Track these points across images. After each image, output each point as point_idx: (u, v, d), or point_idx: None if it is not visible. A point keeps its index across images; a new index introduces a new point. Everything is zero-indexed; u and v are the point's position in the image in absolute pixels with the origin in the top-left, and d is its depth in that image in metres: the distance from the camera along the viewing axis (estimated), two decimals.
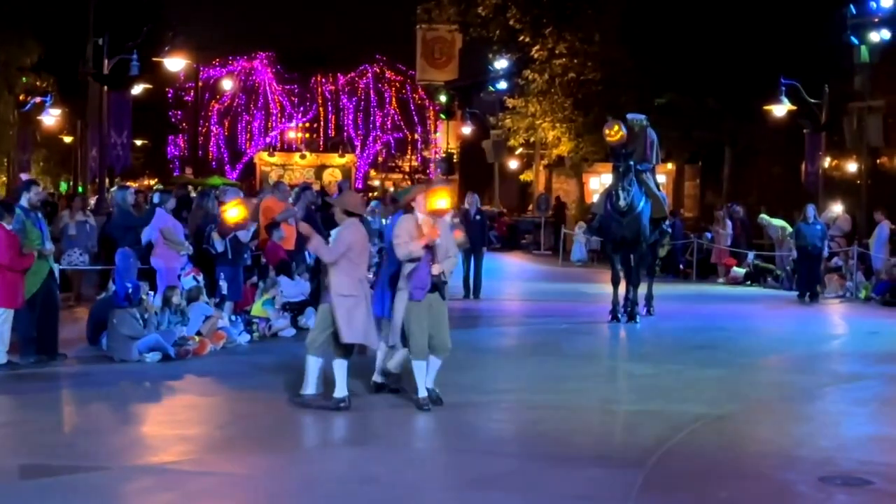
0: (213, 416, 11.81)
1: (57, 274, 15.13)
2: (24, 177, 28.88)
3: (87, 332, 15.72)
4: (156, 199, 19.78)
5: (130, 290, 15.57)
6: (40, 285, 14.18)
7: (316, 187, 29.13)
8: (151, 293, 15.95)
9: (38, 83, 39.75)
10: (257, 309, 17.40)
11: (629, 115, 20.47)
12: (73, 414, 11.84)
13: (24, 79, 38.87)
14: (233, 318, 16.80)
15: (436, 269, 11.60)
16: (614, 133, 19.81)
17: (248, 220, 16.62)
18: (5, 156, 39.99)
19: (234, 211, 13.31)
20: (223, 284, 17.03)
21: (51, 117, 40.05)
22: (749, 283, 28.32)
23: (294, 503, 8.68)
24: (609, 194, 20.10)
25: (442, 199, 11.95)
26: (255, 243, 18.37)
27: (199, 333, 15.64)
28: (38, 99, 38.62)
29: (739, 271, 28.73)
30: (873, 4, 29.65)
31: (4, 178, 40.57)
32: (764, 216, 29.25)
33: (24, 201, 14.46)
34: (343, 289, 11.45)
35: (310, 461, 9.77)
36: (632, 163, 19.21)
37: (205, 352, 15.26)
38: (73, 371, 14.07)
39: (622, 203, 19.13)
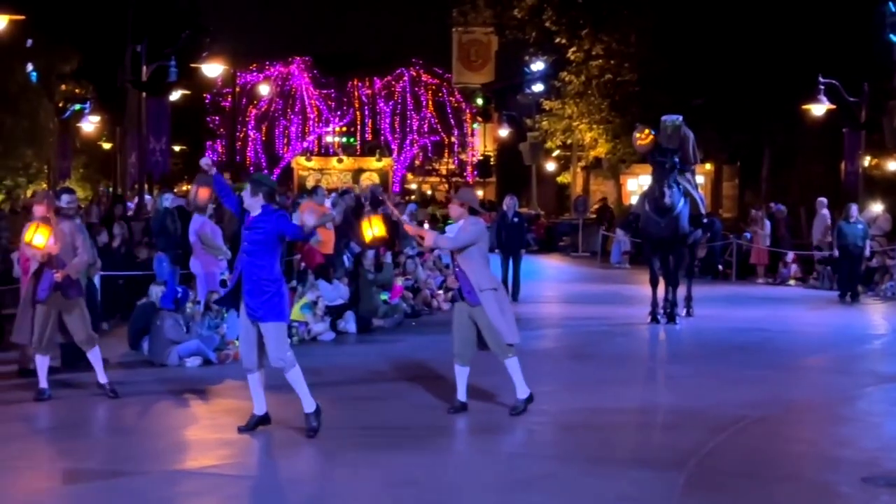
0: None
1: (98, 283, 15.21)
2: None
3: (128, 337, 15.82)
4: (166, 202, 19.90)
5: (179, 296, 15.70)
6: None
7: (357, 191, 29.18)
8: (200, 304, 16.05)
9: (77, 90, 40.09)
10: (296, 313, 17.43)
11: (664, 117, 20.39)
12: (114, 418, 11.90)
13: (63, 86, 39.21)
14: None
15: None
16: (644, 137, 19.82)
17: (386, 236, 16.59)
18: (45, 163, 40.23)
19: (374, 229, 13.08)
20: None
21: (90, 124, 40.26)
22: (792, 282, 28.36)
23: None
24: (648, 194, 20.06)
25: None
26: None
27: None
28: (77, 106, 38.90)
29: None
30: None
31: (45, 185, 40.80)
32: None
33: None
34: (486, 282, 11.38)
35: (348, 465, 9.78)
36: (676, 160, 19.18)
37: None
38: (114, 376, 14.13)
39: (667, 200, 19.07)
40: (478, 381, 13.85)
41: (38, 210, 12.37)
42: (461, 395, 11.78)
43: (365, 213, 19.15)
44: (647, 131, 19.88)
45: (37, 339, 12.35)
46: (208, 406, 12.38)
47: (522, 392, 11.54)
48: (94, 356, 12.49)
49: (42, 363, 12.41)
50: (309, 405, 10.53)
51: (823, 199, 27.54)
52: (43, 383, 12.32)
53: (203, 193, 10.57)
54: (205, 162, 11.31)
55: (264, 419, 10.85)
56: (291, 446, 10.38)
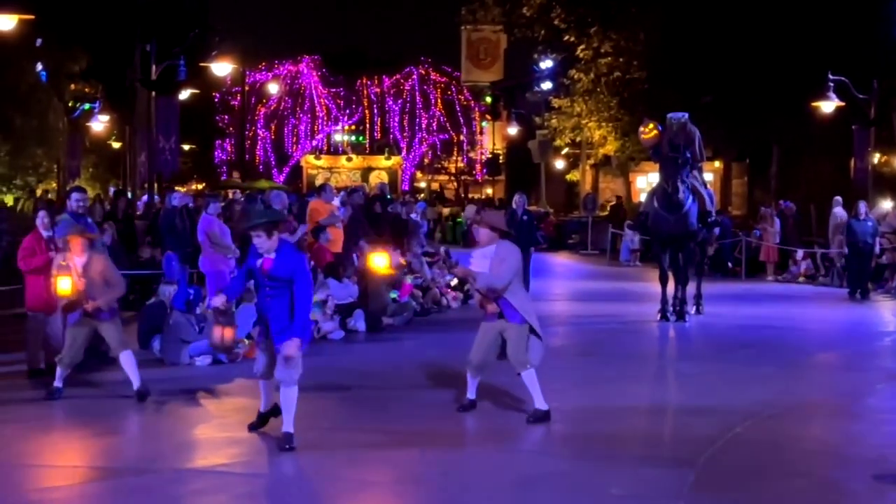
0: None
1: None
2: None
3: (137, 336, 15.84)
4: (174, 201, 19.93)
5: (191, 297, 15.72)
6: None
7: (368, 188, 29.29)
8: (209, 302, 16.08)
9: (86, 90, 40.19)
10: None
11: (670, 115, 20.39)
12: (125, 417, 11.91)
13: (72, 86, 39.30)
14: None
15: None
16: (648, 131, 19.87)
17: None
18: (55, 162, 40.35)
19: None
20: None
21: (99, 123, 40.40)
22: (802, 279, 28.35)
23: (344, 499, 8.69)
24: (657, 192, 20.05)
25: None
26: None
27: (248, 336, 15.72)
28: (86, 105, 38.99)
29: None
30: None
31: (55, 185, 40.93)
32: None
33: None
34: (529, 309, 11.39)
35: (359, 463, 9.79)
36: (689, 155, 19.16)
37: (254, 355, 15.29)
38: (124, 375, 14.16)
39: (680, 195, 19.07)
40: (488, 379, 13.87)
41: (74, 245, 12.35)
42: (471, 393, 11.80)
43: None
44: (651, 125, 19.92)
45: (65, 358, 12.49)
46: (218, 405, 12.38)
47: (540, 404, 11.40)
48: (126, 361, 12.47)
49: (61, 373, 12.53)
50: (288, 426, 10.17)
51: (839, 198, 27.45)
52: (58, 383, 12.44)
53: (228, 334, 10.35)
54: (219, 302, 10.71)
55: (273, 411, 10.81)
56: (300, 445, 10.39)
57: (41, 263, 13.86)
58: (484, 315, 11.51)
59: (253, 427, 10.72)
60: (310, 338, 10.73)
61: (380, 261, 11.97)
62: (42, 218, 14.10)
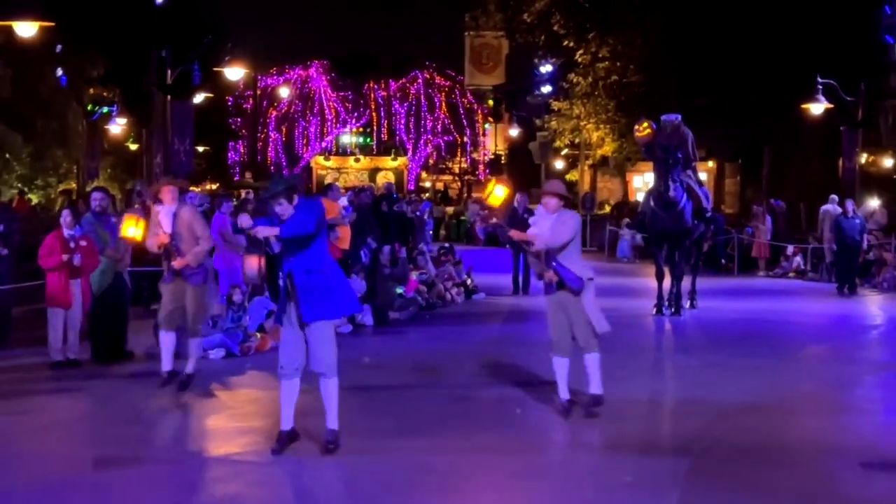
0: (275, 410, 11.81)
1: (127, 277, 15.21)
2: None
3: (154, 330, 15.83)
4: (193, 201, 19.94)
5: None
6: (107, 285, 14.36)
7: (375, 188, 29.34)
8: (222, 297, 16.10)
9: (104, 94, 40.20)
10: None
11: (664, 117, 20.41)
12: (140, 408, 11.90)
13: (91, 90, 39.31)
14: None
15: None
16: (642, 129, 19.94)
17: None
18: (75, 163, 40.36)
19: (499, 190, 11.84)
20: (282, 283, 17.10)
21: (117, 126, 40.43)
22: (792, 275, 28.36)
23: (356, 490, 8.68)
24: (652, 191, 20.08)
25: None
26: None
27: (261, 329, 15.73)
28: (104, 109, 39.01)
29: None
30: None
31: (74, 185, 40.94)
32: None
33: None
34: (587, 271, 11.03)
35: (369, 452, 9.78)
36: (680, 155, 19.18)
37: (266, 348, 15.32)
38: (141, 368, 14.17)
39: (671, 193, 19.08)
40: (492, 370, 13.89)
41: (164, 193, 11.83)
42: (563, 392, 11.16)
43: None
44: (645, 124, 20.01)
45: (161, 317, 12.22)
46: (231, 396, 12.38)
47: (597, 388, 11.06)
48: (194, 345, 12.23)
49: (166, 340, 12.22)
50: (333, 422, 9.66)
51: (834, 196, 27.36)
52: (167, 365, 12.12)
53: (252, 262, 9.78)
54: (246, 223, 9.59)
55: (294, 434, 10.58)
56: (311, 435, 10.38)
57: (55, 264, 13.92)
58: (545, 289, 11.06)
59: (278, 451, 9.59)
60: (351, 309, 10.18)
61: (499, 191, 11.04)
62: (65, 217, 14.13)
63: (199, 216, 12.06)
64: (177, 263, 11.56)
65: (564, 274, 10.79)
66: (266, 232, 9.15)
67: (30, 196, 35.90)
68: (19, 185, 37.61)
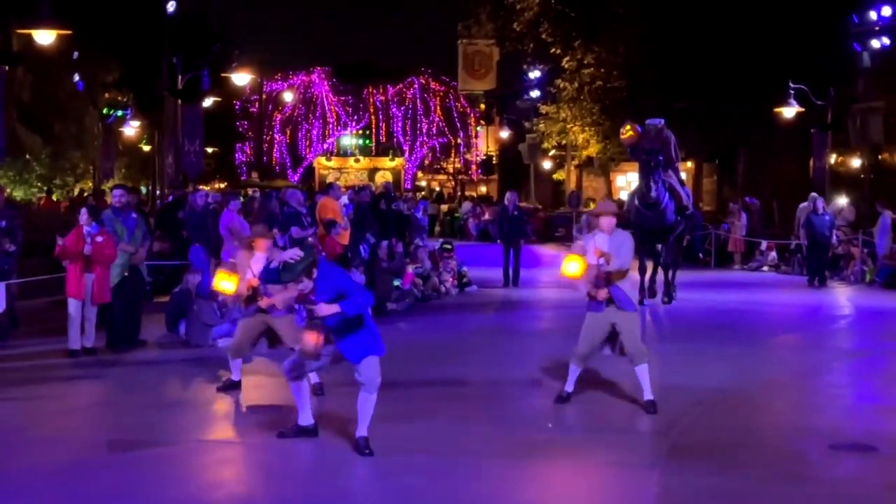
0: (279, 396, 11.84)
1: (145, 272, 15.20)
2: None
3: (165, 320, 15.84)
4: (200, 199, 19.92)
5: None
6: (122, 277, 14.35)
7: (374, 187, 29.30)
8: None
9: (119, 98, 40.17)
10: None
11: (648, 121, 20.46)
12: (153, 394, 11.90)
13: (106, 94, 39.29)
14: (296, 306, 16.81)
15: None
16: (626, 132, 20.09)
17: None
18: (91, 163, 40.36)
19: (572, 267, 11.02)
20: None
21: (131, 128, 40.42)
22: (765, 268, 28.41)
23: (353, 469, 8.68)
24: (637, 191, 20.14)
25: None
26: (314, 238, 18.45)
27: None
28: (119, 112, 38.97)
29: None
30: (874, 14, 29.62)
31: (91, 184, 40.91)
32: None
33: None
34: (634, 292, 10.94)
35: (373, 431, 9.76)
36: (661, 158, 19.24)
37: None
38: (153, 356, 14.18)
39: (653, 194, 19.13)
40: (485, 357, 13.91)
41: (259, 245, 11.46)
42: (570, 385, 11.08)
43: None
44: (628, 127, 20.18)
45: (232, 347, 11.76)
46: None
47: (649, 395, 10.72)
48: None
49: (236, 364, 11.76)
50: (365, 429, 9.25)
51: (814, 195, 27.16)
52: (235, 376, 11.71)
53: (311, 338, 9.18)
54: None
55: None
56: (319, 419, 10.37)
57: (56, 252, 14.12)
58: (589, 304, 10.74)
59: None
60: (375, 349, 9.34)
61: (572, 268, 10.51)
62: (83, 214, 14.13)
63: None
64: (263, 303, 11.21)
65: (620, 296, 10.61)
66: (330, 310, 8.88)
67: (55, 196, 35.90)
68: (39, 184, 37.62)
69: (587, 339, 10.81)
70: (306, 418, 9.50)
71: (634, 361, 10.69)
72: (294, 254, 8.96)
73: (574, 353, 10.94)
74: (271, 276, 9.20)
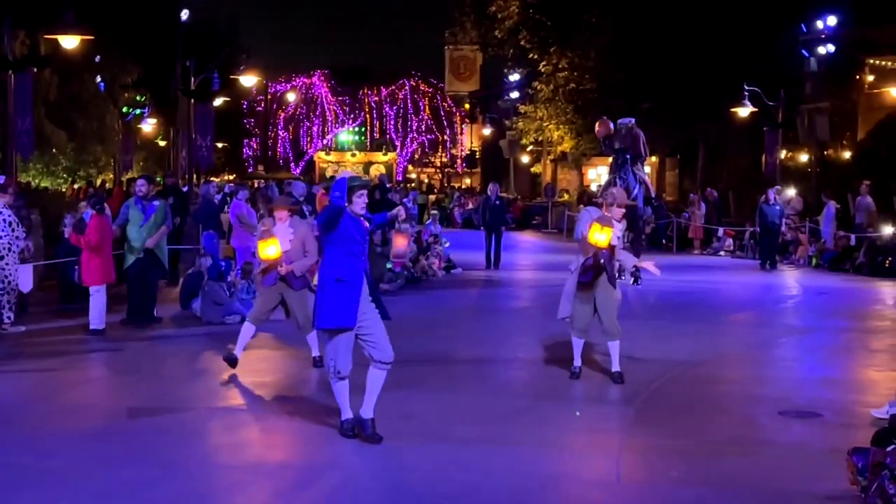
0: (283, 367, 11.86)
1: (166, 255, 15.12)
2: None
3: (179, 299, 15.82)
4: (213, 189, 19.84)
5: (223, 268, 15.69)
6: (136, 258, 14.28)
7: (368, 179, 29.36)
8: (240, 273, 16.09)
9: (137, 97, 40.07)
10: (317, 279, 17.40)
11: (620, 120, 20.49)
12: (167, 366, 11.89)
13: (125, 94, 39.16)
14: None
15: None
16: (598, 125, 20.29)
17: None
18: (112, 157, 40.28)
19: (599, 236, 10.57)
20: None
21: (148, 125, 40.36)
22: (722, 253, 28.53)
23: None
24: (610, 183, 20.18)
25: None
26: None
27: None
28: (137, 110, 38.88)
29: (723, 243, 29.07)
30: (820, 24, 29.76)
31: (112, 176, 40.81)
32: None
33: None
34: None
35: (360, 403, 9.78)
36: (628, 157, 19.36)
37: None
38: (168, 332, 14.16)
39: (637, 194, 19.40)
40: (469, 331, 13.91)
41: (281, 214, 11.14)
42: (577, 360, 10.85)
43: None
44: (598, 122, 20.40)
45: (250, 317, 11.32)
46: (246, 355, 12.28)
47: (617, 367, 10.62)
48: (311, 338, 11.20)
49: (247, 330, 11.25)
50: (371, 410, 8.55)
51: (778, 187, 27.09)
52: (238, 352, 11.19)
53: (402, 242, 8.45)
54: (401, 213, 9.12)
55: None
56: (315, 388, 10.39)
57: (73, 241, 14.26)
58: (581, 275, 10.47)
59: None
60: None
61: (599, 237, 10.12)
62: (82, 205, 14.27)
63: (311, 234, 11.12)
64: (283, 269, 10.91)
65: (609, 268, 10.40)
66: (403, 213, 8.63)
67: (79, 185, 35.76)
68: (65, 175, 37.51)
69: (580, 311, 10.58)
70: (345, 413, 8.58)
71: (609, 336, 10.62)
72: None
73: (573, 327, 10.75)
74: (378, 220, 8.96)
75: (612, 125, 20.23)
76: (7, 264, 13.71)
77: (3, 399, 10.16)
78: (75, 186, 35.76)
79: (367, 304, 8.48)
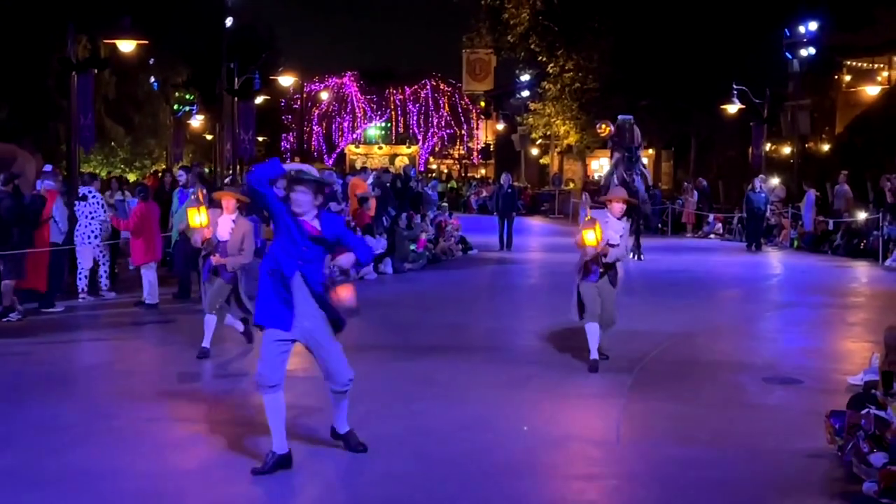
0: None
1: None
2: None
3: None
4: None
5: (260, 246, 15.69)
6: (177, 240, 14.40)
7: (393, 170, 29.30)
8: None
9: (187, 96, 40.12)
10: None
11: (620, 117, 20.41)
12: (212, 337, 11.89)
13: (177, 93, 39.23)
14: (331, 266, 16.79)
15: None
16: (603, 129, 20.10)
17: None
18: (164, 150, 40.38)
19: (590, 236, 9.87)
20: None
21: (196, 121, 40.44)
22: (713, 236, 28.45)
23: (374, 397, 8.68)
24: (614, 172, 20.18)
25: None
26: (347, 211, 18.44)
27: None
28: (187, 108, 38.92)
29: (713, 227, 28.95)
30: (802, 29, 29.63)
31: (164, 166, 40.92)
32: None
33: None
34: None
35: (389, 368, 9.79)
36: (638, 153, 19.52)
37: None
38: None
39: (637, 184, 19.57)
40: (483, 306, 13.89)
41: (227, 203, 10.24)
42: (594, 353, 9.85)
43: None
44: (604, 125, 20.13)
45: (206, 303, 10.45)
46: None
47: (595, 354, 9.84)
48: (208, 322, 10.42)
49: (209, 321, 10.40)
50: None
51: (762, 176, 26.77)
52: (206, 343, 10.39)
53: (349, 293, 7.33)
54: (347, 262, 6.88)
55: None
56: (349, 356, 10.36)
57: (115, 224, 14.51)
58: (589, 276, 9.83)
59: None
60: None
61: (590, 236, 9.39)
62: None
63: (251, 234, 10.36)
64: (215, 260, 10.16)
65: (613, 274, 9.91)
66: (349, 262, 6.79)
67: (133, 176, 35.85)
68: (122, 166, 37.61)
69: (591, 302, 9.78)
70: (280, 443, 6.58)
71: (603, 327, 9.98)
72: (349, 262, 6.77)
73: (586, 315, 9.84)
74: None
75: (612, 126, 20.16)
76: (102, 241, 14.43)
77: (70, 365, 10.23)
78: (131, 178, 35.84)
79: (313, 321, 6.60)
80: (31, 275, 13.05)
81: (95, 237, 14.32)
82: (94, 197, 14.54)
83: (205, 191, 11.09)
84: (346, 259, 6.73)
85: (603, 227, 9.67)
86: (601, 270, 9.81)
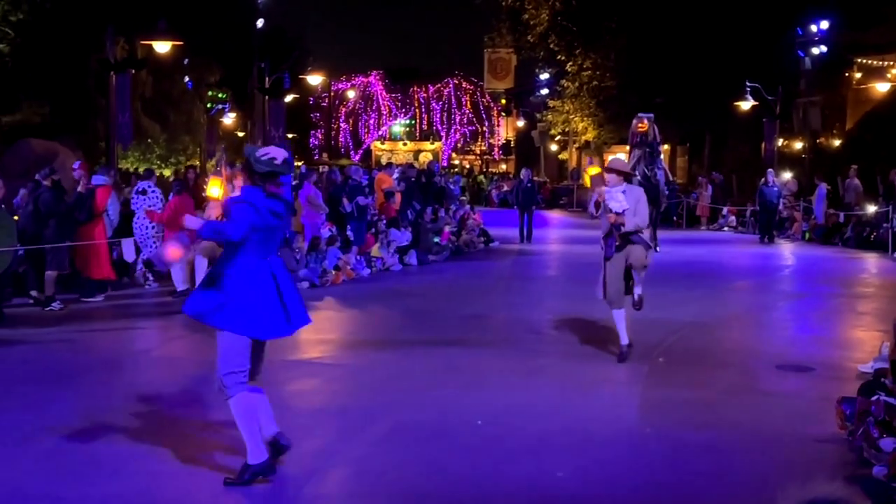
0: (345, 325, 11.91)
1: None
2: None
3: None
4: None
5: (289, 236, 15.77)
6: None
7: (417, 166, 29.33)
8: (305, 245, 16.18)
9: (219, 95, 40.22)
10: (375, 251, 17.48)
11: (640, 114, 20.31)
12: None
13: (210, 92, 39.35)
14: (358, 257, 16.88)
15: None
16: (643, 126, 19.94)
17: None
18: (198, 146, 40.53)
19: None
20: (351, 234, 17.12)
21: (229, 119, 40.57)
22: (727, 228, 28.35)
23: (399, 382, 8.69)
24: (636, 168, 20.10)
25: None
26: (374, 205, 18.49)
27: (335, 268, 15.75)
28: (219, 106, 39.05)
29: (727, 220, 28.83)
30: (814, 28, 29.46)
31: (197, 161, 41.08)
32: None
33: None
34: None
35: (415, 356, 9.79)
36: (659, 149, 19.61)
37: (339, 281, 15.37)
38: None
39: (658, 178, 19.70)
40: (504, 296, 13.86)
41: (242, 177, 10.76)
42: (623, 338, 9.54)
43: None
44: (645, 122, 20.07)
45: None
46: (314, 314, 12.31)
47: (625, 339, 9.55)
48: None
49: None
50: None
51: (771, 170, 26.55)
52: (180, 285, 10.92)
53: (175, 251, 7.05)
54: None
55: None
56: (373, 343, 10.41)
57: (153, 219, 14.57)
58: (608, 250, 9.52)
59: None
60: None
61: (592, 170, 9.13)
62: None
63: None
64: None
65: (637, 240, 9.49)
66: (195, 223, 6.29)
67: (167, 172, 36.00)
68: (158, 162, 37.78)
69: (611, 285, 9.44)
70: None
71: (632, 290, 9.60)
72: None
73: (608, 300, 9.48)
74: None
75: (648, 123, 20.05)
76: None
77: (110, 353, 10.29)
78: (166, 173, 36.03)
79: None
80: (95, 266, 13.36)
81: (153, 229, 14.59)
82: (153, 192, 14.82)
83: (230, 170, 11.27)
84: (191, 220, 6.28)
85: (609, 201, 9.29)
86: (617, 244, 9.37)
